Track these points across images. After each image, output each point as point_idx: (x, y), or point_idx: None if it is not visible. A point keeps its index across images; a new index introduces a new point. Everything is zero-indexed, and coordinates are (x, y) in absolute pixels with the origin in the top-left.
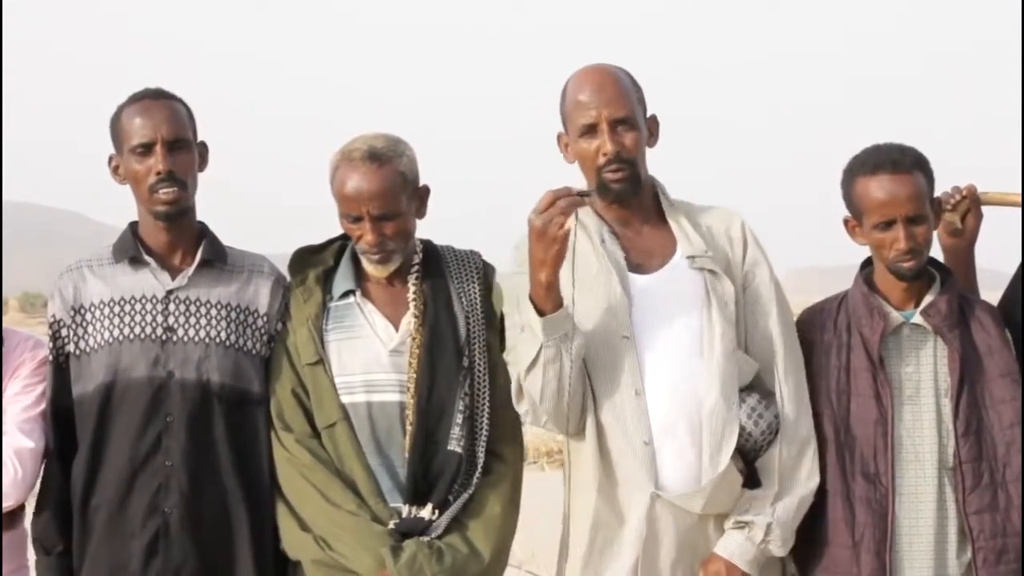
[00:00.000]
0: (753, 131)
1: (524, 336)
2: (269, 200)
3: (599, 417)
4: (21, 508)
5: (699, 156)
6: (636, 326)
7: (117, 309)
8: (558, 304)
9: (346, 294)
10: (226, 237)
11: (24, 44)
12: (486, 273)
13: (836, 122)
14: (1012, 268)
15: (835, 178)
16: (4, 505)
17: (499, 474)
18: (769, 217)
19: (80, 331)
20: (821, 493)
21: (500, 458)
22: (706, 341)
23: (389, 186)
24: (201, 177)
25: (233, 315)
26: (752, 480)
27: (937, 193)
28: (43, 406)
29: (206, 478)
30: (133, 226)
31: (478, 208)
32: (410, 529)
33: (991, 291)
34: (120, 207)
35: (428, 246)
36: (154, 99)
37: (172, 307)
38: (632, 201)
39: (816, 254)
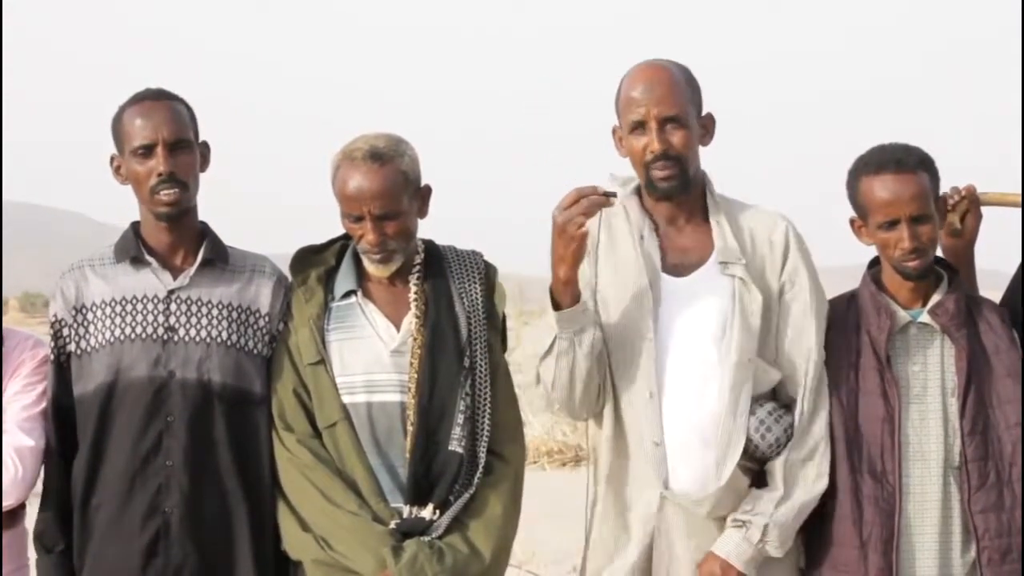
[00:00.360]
0: (753, 131)
1: (544, 322)
2: (269, 200)
3: (618, 411)
4: (22, 507)
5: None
6: (660, 328)
7: (119, 309)
8: (576, 299)
9: (348, 294)
10: (227, 237)
11: (24, 44)
12: (488, 273)
13: (836, 122)
14: (1012, 268)
15: (835, 178)
16: (4, 504)
17: (500, 474)
18: None
19: (81, 330)
20: (831, 491)
21: (501, 458)
22: (724, 350)
23: (391, 186)
24: (202, 177)
25: (234, 315)
26: (761, 478)
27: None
28: (43, 405)
29: (207, 478)
30: (135, 226)
31: (478, 208)
32: (411, 529)
33: (991, 291)
34: (121, 207)
35: (430, 246)
36: (155, 99)
37: (173, 307)
38: (680, 198)
39: (816, 254)
